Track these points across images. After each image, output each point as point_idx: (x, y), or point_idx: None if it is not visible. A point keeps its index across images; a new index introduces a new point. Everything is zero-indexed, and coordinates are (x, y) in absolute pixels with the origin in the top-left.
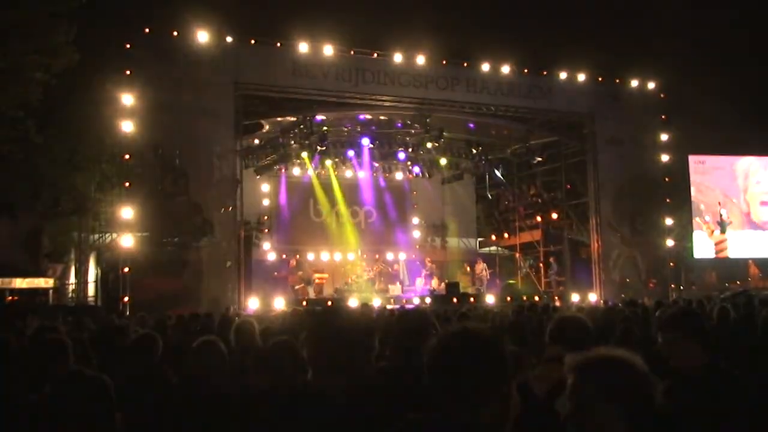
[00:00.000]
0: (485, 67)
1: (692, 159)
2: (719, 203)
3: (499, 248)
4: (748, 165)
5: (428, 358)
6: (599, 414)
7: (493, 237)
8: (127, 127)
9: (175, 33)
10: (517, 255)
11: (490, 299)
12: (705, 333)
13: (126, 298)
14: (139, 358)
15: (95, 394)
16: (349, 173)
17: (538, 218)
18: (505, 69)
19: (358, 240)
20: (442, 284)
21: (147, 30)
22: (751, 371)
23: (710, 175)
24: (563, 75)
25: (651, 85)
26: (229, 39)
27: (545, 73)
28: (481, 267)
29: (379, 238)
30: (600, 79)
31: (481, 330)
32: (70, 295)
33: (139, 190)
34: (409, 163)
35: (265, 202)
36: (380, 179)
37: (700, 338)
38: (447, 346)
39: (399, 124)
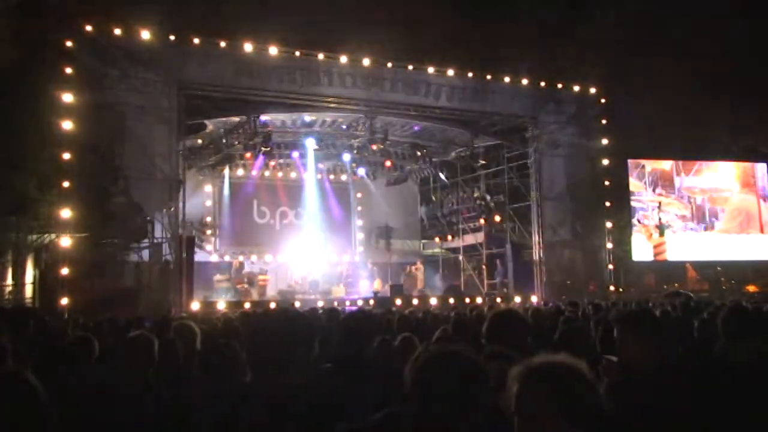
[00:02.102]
0: (430, 70)
1: (631, 163)
2: (658, 206)
3: (443, 250)
4: (684, 168)
5: (414, 373)
6: (547, 424)
7: (437, 239)
8: (67, 126)
9: (117, 31)
10: (461, 257)
11: (433, 301)
12: (658, 333)
13: (64, 300)
14: (75, 360)
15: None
16: (293, 174)
17: (482, 221)
18: (450, 72)
19: (302, 241)
20: (386, 286)
21: (88, 28)
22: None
23: (649, 179)
24: (506, 79)
25: (592, 90)
26: (171, 38)
27: (489, 77)
28: (419, 268)
29: (323, 239)
30: (542, 83)
31: (463, 350)
32: (6, 296)
33: (79, 191)
34: (353, 164)
35: (208, 203)
36: (325, 181)
37: (653, 338)
38: (432, 364)
39: (344, 126)
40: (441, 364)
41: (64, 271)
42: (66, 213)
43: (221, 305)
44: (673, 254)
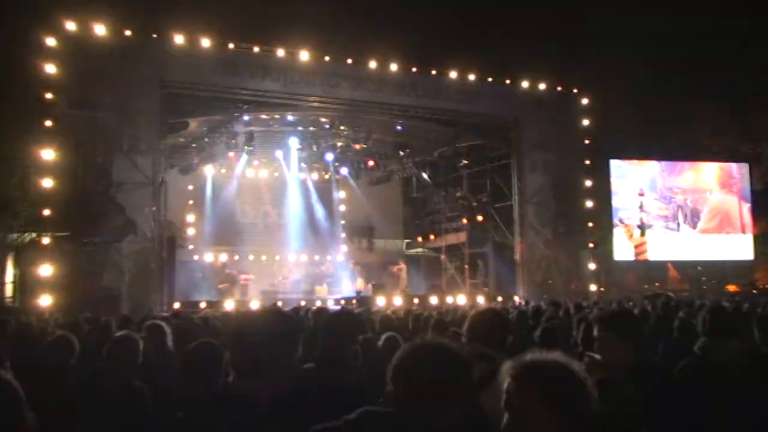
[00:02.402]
0: (414, 69)
1: (613, 163)
2: (639, 206)
3: (425, 250)
4: (665, 168)
5: (394, 365)
6: (538, 421)
7: (420, 239)
8: (48, 124)
9: (99, 29)
10: (443, 257)
11: (415, 300)
12: (639, 333)
13: (45, 300)
14: (55, 359)
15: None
16: (276, 174)
17: (464, 220)
18: (433, 72)
19: (285, 241)
20: (369, 285)
21: (69, 26)
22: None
23: (631, 179)
24: (489, 79)
25: (574, 91)
26: (155, 36)
27: (472, 77)
28: (402, 268)
29: (306, 239)
30: (525, 84)
31: (445, 342)
32: None
33: (60, 189)
34: (336, 164)
35: (191, 202)
36: (308, 180)
37: (634, 338)
38: (415, 355)
39: (327, 126)
40: (422, 356)
41: (45, 270)
42: (47, 212)
43: (203, 305)
44: (654, 254)
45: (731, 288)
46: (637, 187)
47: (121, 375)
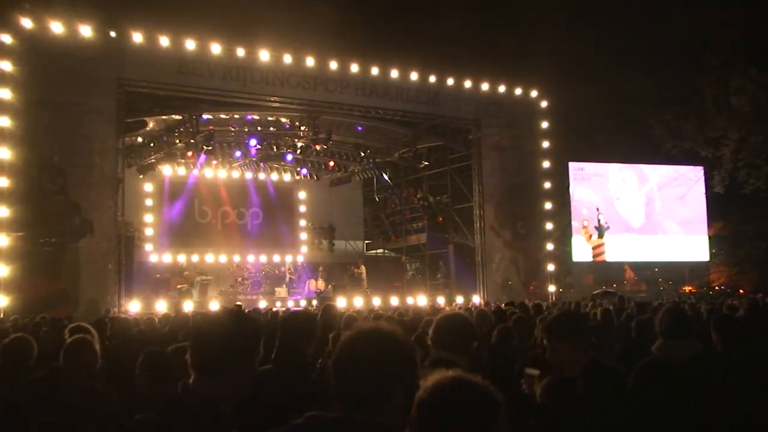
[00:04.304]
0: (374, 70)
1: (572, 165)
2: (597, 208)
3: (386, 251)
4: (622, 171)
5: (335, 354)
6: None
7: (381, 240)
8: (3, 122)
9: (57, 26)
10: (404, 258)
11: (376, 301)
12: (585, 335)
13: (1, 300)
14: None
15: None
16: (235, 174)
17: (425, 221)
18: (394, 73)
19: (244, 242)
20: (329, 286)
21: (26, 23)
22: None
23: (589, 181)
24: (450, 81)
25: (533, 94)
26: (112, 34)
27: (432, 78)
28: (363, 269)
29: (265, 240)
30: (485, 86)
31: (386, 328)
32: None
33: (15, 189)
34: (296, 165)
35: (149, 202)
36: (267, 181)
37: (580, 340)
38: (352, 343)
39: (287, 126)
40: (357, 344)
41: (1, 270)
42: (2, 212)
43: (161, 306)
44: (611, 255)
45: (687, 289)
46: (596, 188)
47: (76, 377)
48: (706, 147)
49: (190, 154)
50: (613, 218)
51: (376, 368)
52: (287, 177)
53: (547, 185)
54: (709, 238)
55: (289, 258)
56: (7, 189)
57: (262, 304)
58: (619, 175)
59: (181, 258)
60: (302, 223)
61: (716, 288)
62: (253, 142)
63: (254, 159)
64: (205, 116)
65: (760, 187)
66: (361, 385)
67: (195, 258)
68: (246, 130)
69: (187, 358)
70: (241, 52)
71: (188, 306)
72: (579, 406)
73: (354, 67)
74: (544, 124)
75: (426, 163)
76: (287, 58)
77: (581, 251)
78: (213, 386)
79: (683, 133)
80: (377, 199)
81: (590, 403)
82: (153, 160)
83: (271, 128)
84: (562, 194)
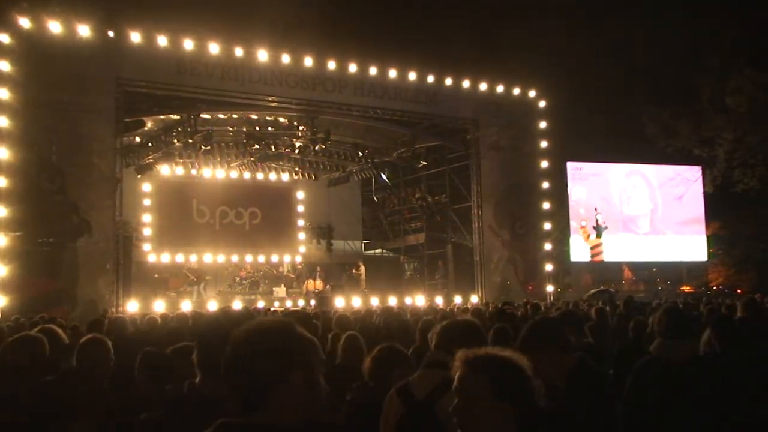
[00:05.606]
0: (373, 70)
1: (570, 165)
2: (595, 208)
3: (384, 251)
4: (620, 171)
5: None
6: (484, 409)
7: (379, 240)
8: (2, 122)
9: (55, 26)
10: (402, 258)
11: (374, 301)
12: (561, 337)
13: (0, 300)
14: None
15: None
16: (234, 174)
17: (423, 221)
18: (392, 73)
19: (242, 242)
20: (328, 286)
21: (24, 22)
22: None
23: (587, 181)
24: (448, 81)
25: (532, 94)
26: (111, 34)
27: (431, 78)
28: (361, 269)
29: (263, 240)
30: (483, 86)
31: (265, 322)
32: None
33: (14, 188)
34: (295, 164)
35: (147, 202)
36: (266, 180)
37: (556, 345)
38: (234, 345)
39: (286, 126)
40: (236, 347)
41: (0, 270)
42: (1, 211)
43: (159, 306)
44: (609, 255)
45: (686, 289)
46: (594, 188)
47: (92, 377)
48: (700, 146)
49: (188, 153)
50: (618, 221)
51: (253, 369)
52: (285, 177)
53: (546, 185)
54: (707, 237)
55: (287, 258)
56: (6, 189)
57: (261, 305)
58: (626, 181)
59: (180, 258)
60: (300, 222)
61: (714, 288)
62: (251, 141)
63: (253, 158)
64: (204, 116)
65: (753, 187)
66: (245, 388)
67: (193, 258)
68: (245, 129)
69: (193, 358)
70: (239, 51)
71: (186, 306)
72: (565, 408)
73: (352, 67)
74: (543, 124)
75: (424, 162)
76: (285, 58)
77: (579, 251)
78: (219, 386)
79: (678, 131)
80: (375, 199)
81: (573, 405)
82: (151, 160)
83: (270, 128)
84: (560, 194)
